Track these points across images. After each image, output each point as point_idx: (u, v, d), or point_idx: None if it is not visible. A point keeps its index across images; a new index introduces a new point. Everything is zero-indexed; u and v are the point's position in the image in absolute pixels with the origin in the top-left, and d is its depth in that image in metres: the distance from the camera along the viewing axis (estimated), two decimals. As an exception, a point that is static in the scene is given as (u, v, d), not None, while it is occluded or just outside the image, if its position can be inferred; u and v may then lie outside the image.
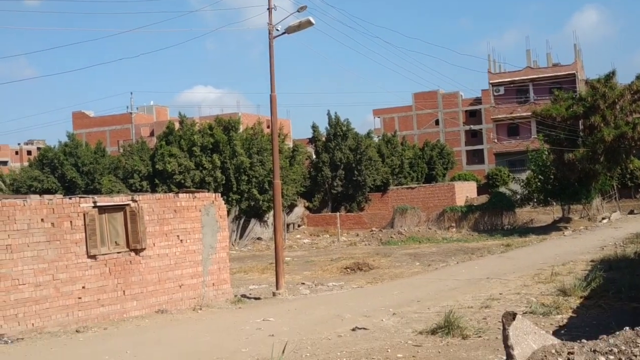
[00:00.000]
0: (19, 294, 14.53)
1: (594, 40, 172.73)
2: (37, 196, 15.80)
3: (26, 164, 58.34)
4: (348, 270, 26.53)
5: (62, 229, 15.38)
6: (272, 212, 37.08)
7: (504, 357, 7.25)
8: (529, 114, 56.62)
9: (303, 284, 23.05)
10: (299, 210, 49.33)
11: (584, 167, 38.87)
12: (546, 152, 42.23)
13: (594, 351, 6.20)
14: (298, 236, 46.17)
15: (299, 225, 49.07)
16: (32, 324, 14.71)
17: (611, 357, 6.09)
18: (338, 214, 47.66)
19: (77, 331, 14.97)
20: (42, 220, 15.05)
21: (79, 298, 15.57)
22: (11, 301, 14.39)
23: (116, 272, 16.38)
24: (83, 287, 15.65)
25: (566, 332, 11.31)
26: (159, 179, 40.12)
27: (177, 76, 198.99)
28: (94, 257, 15.92)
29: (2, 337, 14.02)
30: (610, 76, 40.87)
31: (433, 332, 12.58)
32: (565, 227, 39.24)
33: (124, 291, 16.40)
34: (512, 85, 69.97)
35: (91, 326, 15.40)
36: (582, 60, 71.83)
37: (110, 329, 15.27)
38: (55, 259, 15.19)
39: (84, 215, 15.78)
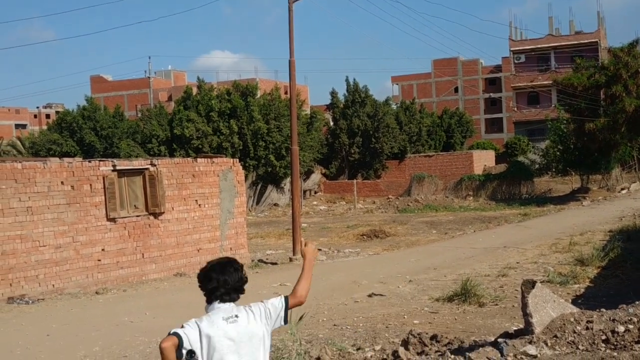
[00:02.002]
0: (39, 256, 14.73)
1: (618, 8, 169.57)
2: (57, 159, 15.92)
3: (45, 127, 58.64)
4: (364, 237, 26.58)
5: (82, 191, 15.51)
6: (288, 179, 37.08)
7: (521, 325, 7.26)
8: (550, 82, 55.81)
9: (320, 250, 23.12)
10: (316, 176, 49.32)
11: (604, 137, 38.41)
12: (564, 122, 41.77)
13: (613, 320, 6.19)
14: (314, 203, 46.25)
15: (315, 192, 49.11)
16: (53, 285, 14.94)
17: (630, 326, 6.07)
18: (355, 181, 47.61)
19: (96, 293, 15.19)
20: (62, 183, 15.18)
21: (99, 260, 15.76)
22: (32, 262, 14.60)
23: (135, 235, 16.53)
24: (102, 250, 15.83)
25: (583, 302, 11.29)
26: (177, 144, 40.21)
27: (195, 41, 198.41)
28: (113, 220, 16.07)
29: (23, 298, 14.26)
30: (633, 45, 40.14)
31: (450, 299, 12.63)
32: (584, 197, 38.96)
33: (142, 254, 16.57)
34: (533, 53, 68.95)
35: (110, 288, 15.61)
36: (605, 28, 70.59)
37: (129, 291, 15.47)
38: (75, 221, 15.34)
39: (104, 178, 15.88)
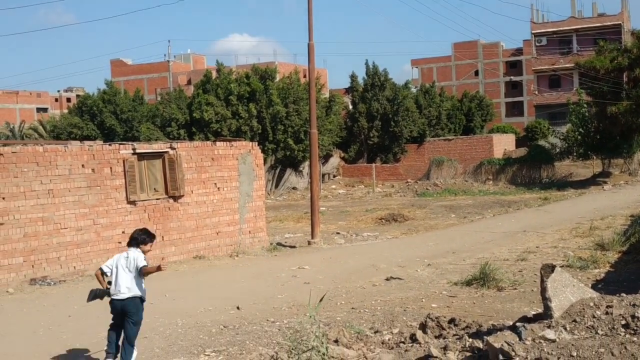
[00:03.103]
0: (61, 238, 14.89)
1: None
2: (78, 142, 16.04)
3: (66, 111, 59.04)
4: (383, 221, 26.57)
5: (103, 174, 15.63)
6: (307, 162, 37.08)
7: (540, 310, 7.23)
8: (572, 65, 55.11)
9: (338, 233, 23.18)
10: (335, 160, 49.29)
11: (627, 120, 37.93)
12: (585, 106, 41.30)
13: (634, 305, 6.14)
14: (333, 186, 46.27)
15: (334, 176, 49.09)
16: (74, 267, 15.11)
17: (651, 311, 6.01)
18: (374, 165, 47.53)
19: (117, 275, 15.35)
20: (82, 166, 15.30)
21: (119, 243, 15.87)
22: (53, 244, 14.77)
23: (155, 218, 16.64)
24: (123, 232, 15.94)
25: (603, 287, 11.23)
26: (196, 127, 40.35)
27: (214, 24, 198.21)
28: (133, 203, 16.19)
29: (45, 279, 14.44)
30: (658, 27, 39.50)
31: (468, 283, 12.61)
32: (605, 182, 38.63)
33: (162, 237, 16.68)
34: (555, 36, 68.05)
35: (131, 270, 15.73)
36: (629, 10, 69.46)
37: (149, 274, 15.58)
38: (95, 204, 15.48)
39: (124, 161, 15.98)
